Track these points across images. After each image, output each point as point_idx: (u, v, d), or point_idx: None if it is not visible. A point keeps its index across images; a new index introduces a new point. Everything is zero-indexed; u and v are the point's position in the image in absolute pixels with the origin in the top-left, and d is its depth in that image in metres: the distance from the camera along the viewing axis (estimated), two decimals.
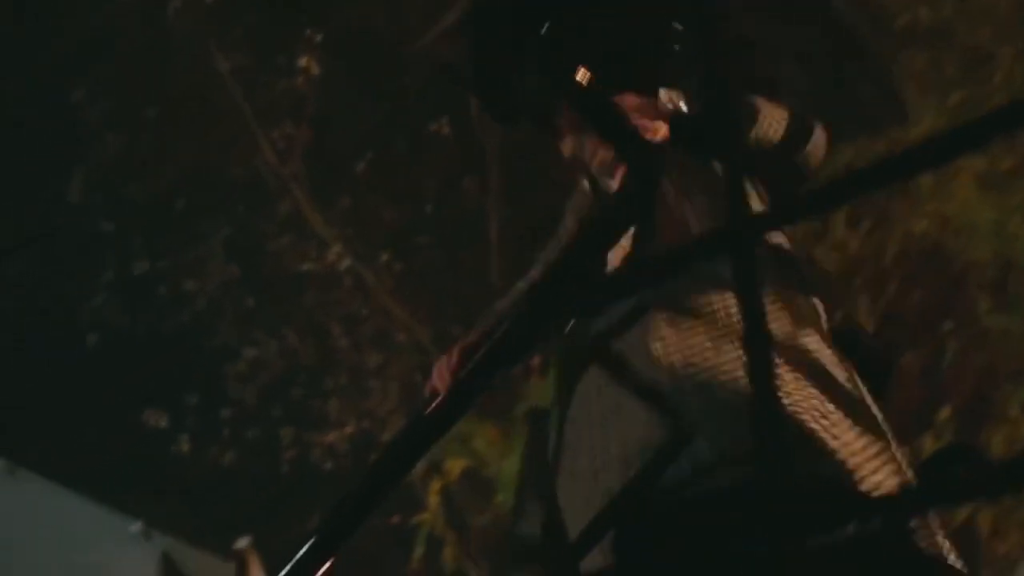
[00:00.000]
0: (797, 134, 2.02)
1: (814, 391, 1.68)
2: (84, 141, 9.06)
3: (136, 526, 9.09)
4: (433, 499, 6.77)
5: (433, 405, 1.85)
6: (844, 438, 1.64)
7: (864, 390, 1.78)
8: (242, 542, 8.74)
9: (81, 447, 9.70)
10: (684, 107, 1.96)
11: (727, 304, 1.78)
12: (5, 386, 10.20)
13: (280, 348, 9.28)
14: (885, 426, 1.74)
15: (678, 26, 2.01)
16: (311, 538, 1.12)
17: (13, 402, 10.02)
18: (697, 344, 1.74)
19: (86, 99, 8.79)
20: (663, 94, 1.97)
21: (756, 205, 1.94)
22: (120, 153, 9.05)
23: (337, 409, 9.05)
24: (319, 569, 1.11)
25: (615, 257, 1.84)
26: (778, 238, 1.96)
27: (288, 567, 1.12)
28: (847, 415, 1.67)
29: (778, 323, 1.74)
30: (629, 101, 1.95)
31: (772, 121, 2.00)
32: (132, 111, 8.94)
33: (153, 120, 9.06)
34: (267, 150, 8.90)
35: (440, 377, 2.02)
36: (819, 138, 2.04)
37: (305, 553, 1.11)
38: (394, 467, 1.21)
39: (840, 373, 1.76)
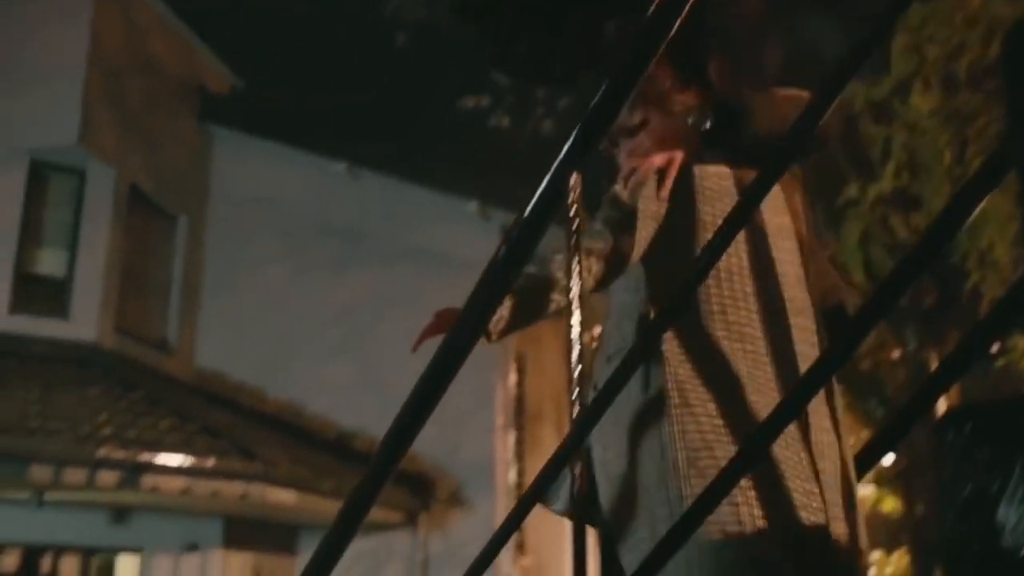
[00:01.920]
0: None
1: None
2: None
3: (472, 206, 9.53)
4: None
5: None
6: None
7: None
8: None
9: (411, 141, 10.14)
10: (707, 125, 2.11)
11: None
12: (336, 98, 10.71)
13: None
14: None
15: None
16: None
17: (344, 111, 10.54)
18: None
19: None
20: (689, 118, 2.13)
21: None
22: None
23: None
24: None
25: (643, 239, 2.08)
26: None
27: None
28: None
29: None
30: (660, 127, 2.14)
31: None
32: None
33: None
34: None
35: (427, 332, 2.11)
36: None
37: None
38: None
39: None
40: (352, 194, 10.23)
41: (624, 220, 2.08)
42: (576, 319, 1.74)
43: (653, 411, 1.97)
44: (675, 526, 1.54)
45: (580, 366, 1.75)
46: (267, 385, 10.08)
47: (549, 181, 1.79)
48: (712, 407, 1.94)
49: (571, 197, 1.77)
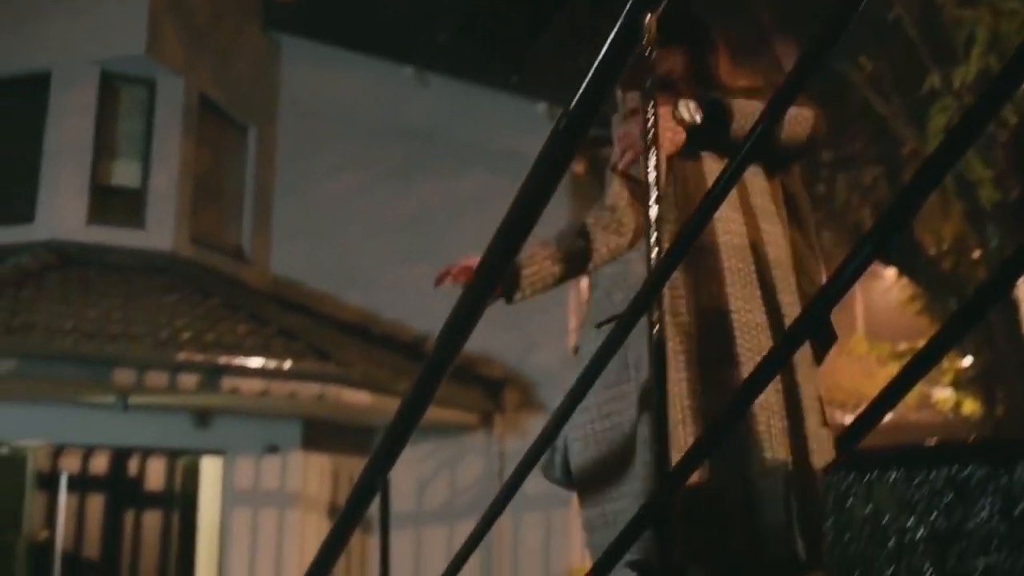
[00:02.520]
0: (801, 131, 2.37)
1: None
2: None
3: (541, 107, 9.40)
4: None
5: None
6: None
7: None
8: None
9: (478, 44, 9.99)
10: (698, 118, 2.30)
11: None
12: (401, 1, 10.57)
13: None
14: None
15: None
16: None
17: (410, 14, 10.40)
18: None
19: None
20: (681, 105, 2.30)
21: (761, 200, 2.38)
22: None
23: None
24: None
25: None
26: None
27: None
28: None
29: None
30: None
31: (794, 125, 2.34)
32: None
33: None
34: None
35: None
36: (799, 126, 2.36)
37: None
38: None
39: None
40: (421, 98, 10.15)
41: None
42: (652, 162, 1.68)
43: (635, 384, 2.21)
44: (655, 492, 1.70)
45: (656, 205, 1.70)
46: (342, 291, 10.18)
47: (623, 22, 1.72)
48: (685, 384, 2.19)
49: (645, 38, 1.71)
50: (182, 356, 7.61)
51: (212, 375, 7.65)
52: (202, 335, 7.98)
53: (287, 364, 7.85)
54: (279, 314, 8.96)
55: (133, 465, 8.79)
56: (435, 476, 9.63)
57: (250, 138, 10.54)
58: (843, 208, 10.75)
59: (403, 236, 10.02)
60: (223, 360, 7.69)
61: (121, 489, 8.73)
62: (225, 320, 8.42)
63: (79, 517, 8.53)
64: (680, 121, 2.28)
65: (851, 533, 1.34)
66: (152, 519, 8.75)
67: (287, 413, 8.65)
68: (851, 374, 14.78)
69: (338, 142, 10.43)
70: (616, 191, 2.44)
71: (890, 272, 13.57)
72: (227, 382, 7.70)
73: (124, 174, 9.71)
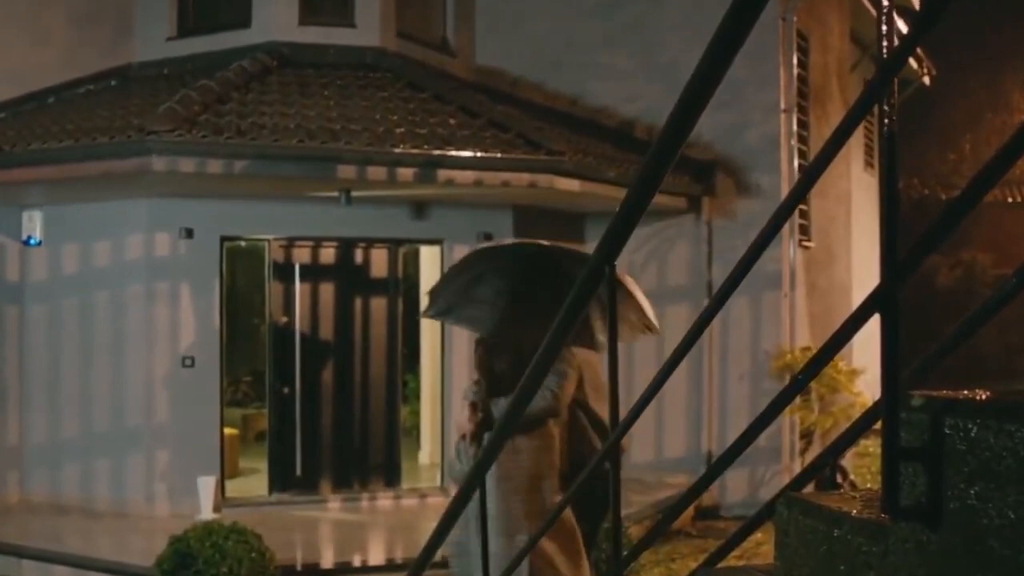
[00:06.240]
0: None
1: None
2: None
3: None
4: None
5: None
6: None
7: None
8: None
9: None
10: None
11: None
12: None
13: None
14: None
15: None
16: None
17: None
18: None
19: None
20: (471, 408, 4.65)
21: None
22: None
23: None
24: None
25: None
26: None
27: None
28: None
29: None
30: (470, 412, 4.60)
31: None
32: None
33: None
34: None
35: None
36: None
37: None
38: None
39: None
40: None
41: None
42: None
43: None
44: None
45: None
46: (546, 78, 10.20)
47: None
48: None
49: None
50: (399, 149, 7.90)
51: (428, 167, 7.93)
52: (415, 129, 8.22)
53: (498, 154, 8.03)
54: (488, 105, 9.09)
55: (358, 255, 9.32)
56: (647, 261, 9.80)
57: None
58: None
59: (609, 20, 9.86)
60: (437, 152, 7.94)
61: (348, 277, 9.30)
62: (436, 114, 8.63)
63: (313, 303, 9.18)
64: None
65: None
66: (378, 304, 9.31)
67: (499, 202, 8.90)
68: None
69: None
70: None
71: None
72: (442, 173, 7.97)
73: None
